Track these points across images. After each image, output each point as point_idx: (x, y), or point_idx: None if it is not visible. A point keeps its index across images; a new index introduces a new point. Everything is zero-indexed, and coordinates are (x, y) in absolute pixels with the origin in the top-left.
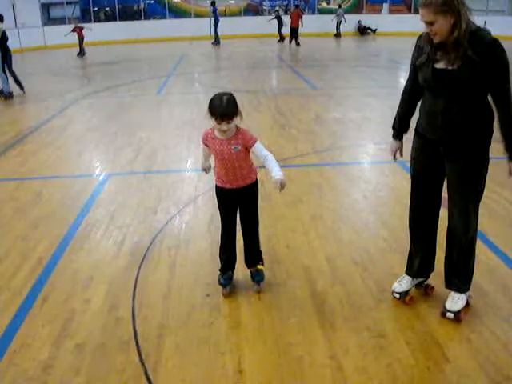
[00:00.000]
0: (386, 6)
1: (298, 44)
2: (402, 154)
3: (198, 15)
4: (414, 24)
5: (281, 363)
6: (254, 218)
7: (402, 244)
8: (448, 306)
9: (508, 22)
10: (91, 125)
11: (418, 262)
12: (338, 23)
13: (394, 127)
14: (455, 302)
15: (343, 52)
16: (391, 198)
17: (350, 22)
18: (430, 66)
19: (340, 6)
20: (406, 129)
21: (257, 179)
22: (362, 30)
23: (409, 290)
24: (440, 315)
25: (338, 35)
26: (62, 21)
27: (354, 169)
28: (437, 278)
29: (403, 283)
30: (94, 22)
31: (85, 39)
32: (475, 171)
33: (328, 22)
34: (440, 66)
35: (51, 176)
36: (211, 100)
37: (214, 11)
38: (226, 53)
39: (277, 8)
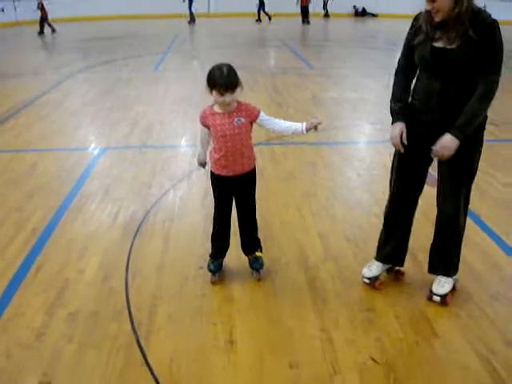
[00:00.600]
0: None
1: (308, 22)
2: (404, 138)
3: None
4: (413, 6)
5: (272, 334)
6: (252, 207)
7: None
8: (434, 289)
9: (508, 7)
10: (87, 99)
11: (391, 249)
12: (325, 3)
13: (392, 111)
14: (442, 285)
15: (340, 33)
16: (385, 177)
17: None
18: (428, 45)
19: None
20: (406, 107)
21: (255, 166)
22: (360, 14)
23: (379, 275)
24: (427, 298)
25: (326, 15)
26: None
27: (349, 148)
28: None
29: (373, 268)
30: None
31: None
32: (469, 156)
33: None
34: (439, 44)
35: (46, 149)
36: (211, 71)
37: None
38: (226, 31)
39: None
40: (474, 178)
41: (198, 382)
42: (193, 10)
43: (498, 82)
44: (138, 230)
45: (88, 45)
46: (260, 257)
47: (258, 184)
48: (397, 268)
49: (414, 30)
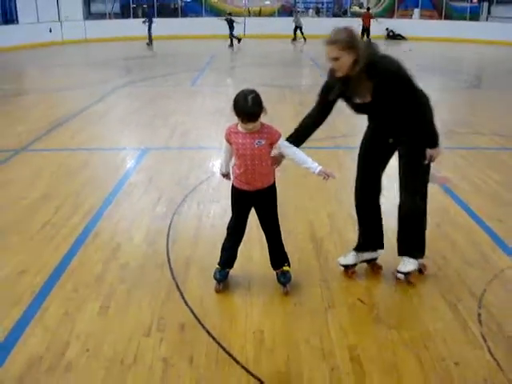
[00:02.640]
0: (416, 11)
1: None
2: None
3: (234, 14)
4: (443, 30)
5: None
6: (274, 221)
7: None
8: (399, 267)
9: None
10: (130, 110)
11: (362, 238)
12: (296, 28)
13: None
14: (405, 264)
15: None
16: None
17: (381, 27)
18: (350, 101)
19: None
20: (299, 142)
21: (274, 182)
22: (391, 37)
23: (354, 264)
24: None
25: (294, 39)
26: (102, 16)
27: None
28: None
29: (348, 257)
30: (133, 18)
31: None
32: (420, 157)
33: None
34: (357, 101)
35: (97, 148)
36: (236, 99)
37: (149, 14)
38: (258, 51)
39: (228, 12)
40: (428, 174)
41: (221, 313)
42: (152, 32)
43: (424, 98)
44: (176, 209)
45: (129, 63)
46: (287, 271)
47: (281, 178)
48: (375, 262)
49: (327, 84)
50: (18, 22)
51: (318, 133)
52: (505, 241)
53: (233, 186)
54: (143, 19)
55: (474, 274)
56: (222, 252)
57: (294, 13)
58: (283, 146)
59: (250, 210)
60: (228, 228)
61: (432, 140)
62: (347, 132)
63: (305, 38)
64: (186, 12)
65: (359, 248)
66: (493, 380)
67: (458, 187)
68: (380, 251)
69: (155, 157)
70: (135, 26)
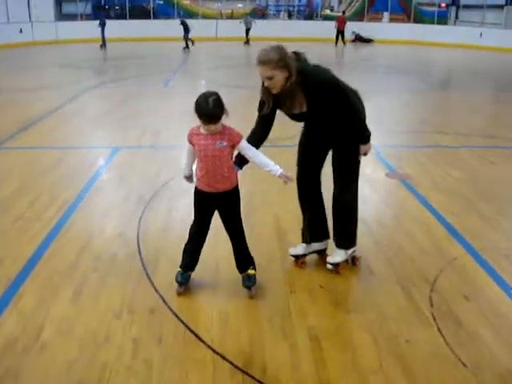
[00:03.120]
0: (386, 14)
1: (344, 43)
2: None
3: (205, 17)
4: (412, 33)
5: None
6: (238, 224)
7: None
8: (328, 258)
9: (504, 35)
10: (102, 110)
11: (308, 230)
12: (248, 30)
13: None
14: (334, 255)
15: (343, 57)
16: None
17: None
18: (287, 113)
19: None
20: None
21: (237, 184)
22: (358, 40)
23: (304, 255)
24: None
25: (247, 42)
26: (73, 17)
27: None
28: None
29: (298, 247)
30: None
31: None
32: (352, 154)
33: (330, 28)
34: (295, 111)
35: (69, 147)
36: (197, 102)
37: (102, 16)
38: (230, 53)
39: (181, 16)
40: (358, 170)
41: (188, 298)
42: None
43: (355, 99)
44: (147, 204)
45: (101, 64)
46: (252, 275)
47: (248, 172)
48: (353, 255)
49: (262, 100)
50: None
51: (290, 130)
52: (459, 232)
53: (195, 189)
54: (98, 21)
55: (428, 261)
56: (183, 255)
57: (244, 16)
58: (245, 147)
59: (212, 213)
60: (190, 232)
61: (365, 136)
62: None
63: (193, 42)
64: (157, 14)
65: (306, 240)
66: (440, 353)
67: (419, 183)
68: (327, 241)
69: (126, 155)
70: (109, 28)
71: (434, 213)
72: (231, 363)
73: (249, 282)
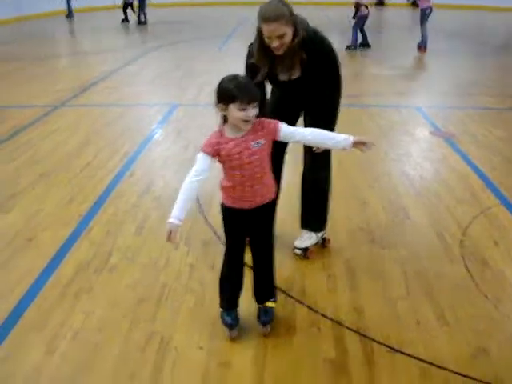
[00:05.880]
0: None
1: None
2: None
3: None
4: None
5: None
6: (270, 246)
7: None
8: (296, 243)
9: None
10: (160, 71)
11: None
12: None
13: None
14: (303, 240)
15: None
16: (398, 129)
17: None
18: (273, 80)
19: None
20: None
21: (275, 196)
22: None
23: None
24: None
25: (380, 3)
26: None
27: (375, 109)
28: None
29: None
30: None
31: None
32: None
33: None
34: (283, 78)
35: (130, 104)
36: (223, 84)
37: None
38: None
39: None
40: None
41: None
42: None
43: (340, 88)
44: None
45: (156, 27)
46: (272, 308)
47: None
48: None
49: (249, 66)
50: None
51: None
52: (496, 185)
53: (223, 206)
54: None
55: (463, 209)
56: (221, 293)
57: None
58: (288, 132)
59: (246, 233)
60: (225, 260)
61: (327, 125)
62: (360, 92)
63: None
64: None
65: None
66: (465, 286)
67: (461, 141)
68: None
69: (184, 112)
70: None
71: (474, 167)
72: None
73: (265, 317)
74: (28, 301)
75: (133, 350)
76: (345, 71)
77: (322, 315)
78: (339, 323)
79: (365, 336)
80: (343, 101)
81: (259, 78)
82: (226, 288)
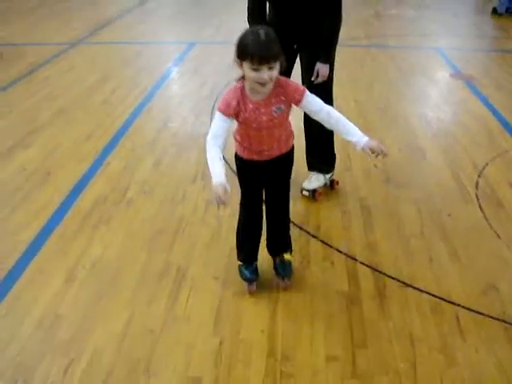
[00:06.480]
0: None
1: None
2: None
3: None
4: None
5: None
6: (287, 196)
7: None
8: (303, 184)
9: None
10: (176, 9)
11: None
12: None
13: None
14: (311, 181)
15: None
16: (418, 70)
17: None
18: None
19: None
20: None
21: (293, 144)
22: None
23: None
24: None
25: None
26: None
27: (394, 50)
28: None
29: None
30: None
31: None
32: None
33: None
34: None
35: (147, 42)
36: (242, 36)
37: None
38: None
39: None
40: (331, 85)
41: None
42: None
43: (341, 19)
44: (221, 91)
45: None
46: (289, 261)
47: None
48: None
49: None
50: None
51: (358, 31)
52: None
53: (239, 158)
54: None
55: (480, 151)
56: (240, 246)
57: None
58: (314, 103)
59: (264, 182)
60: (241, 212)
61: (327, 54)
62: (380, 33)
63: None
64: None
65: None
66: (478, 227)
67: (482, 83)
68: None
69: (201, 50)
70: None
71: (493, 110)
72: None
73: (284, 270)
74: (48, 231)
75: (150, 279)
76: (365, 11)
77: (337, 250)
78: (353, 258)
79: (377, 271)
80: (361, 41)
81: None
82: (245, 240)
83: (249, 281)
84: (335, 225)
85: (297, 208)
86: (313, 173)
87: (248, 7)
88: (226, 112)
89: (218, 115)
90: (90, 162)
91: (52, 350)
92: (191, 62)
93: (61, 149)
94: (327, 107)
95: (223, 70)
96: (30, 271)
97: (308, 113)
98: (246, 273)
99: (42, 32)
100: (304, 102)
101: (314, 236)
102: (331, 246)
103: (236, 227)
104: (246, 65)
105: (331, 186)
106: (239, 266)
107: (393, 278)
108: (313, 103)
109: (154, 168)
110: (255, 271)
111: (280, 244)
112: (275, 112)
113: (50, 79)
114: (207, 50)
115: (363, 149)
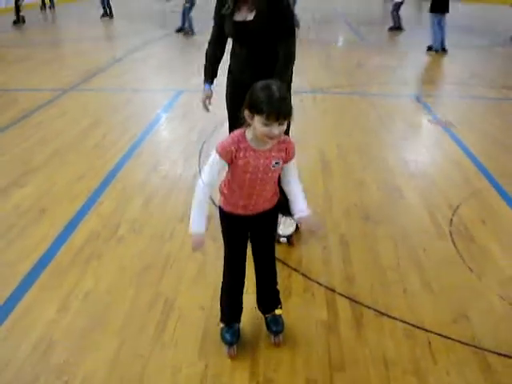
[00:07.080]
0: None
1: None
2: (210, 103)
3: None
4: None
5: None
6: (272, 250)
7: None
8: (280, 231)
9: None
10: (166, 57)
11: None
12: None
13: (205, 74)
14: (286, 227)
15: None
16: (394, 116)
17: None
18: (230, 20)
19: None
20: (215, 74)
21: (276, 201)
22: None
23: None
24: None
25: None
26: None
27: (375, 97)
28: None
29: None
30: None
31: None
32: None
33: None
34: (239, 18)
35: (137, 89)
36: (256, 90)
37: None
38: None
39: None
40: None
41: None
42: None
43: (295, 44)
44: (208, 138)
45: (163, 16)
46: (280, 316)
47: (301, 117)
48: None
49: (219, 2)
50: None
51: (338, 81)
52: (489, 170)
53: (222, 212)
54: None
55: (455, 192)
56: (223, 306)
57: None
58: (292, 168)
59: (248, 237)
60: (225, 270)
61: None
62: (362, 82)
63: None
64: None
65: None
66: (451, 261)
67: (458, 129)
68: None
69: (189, 97)
70: None
71: (468, 154)
72: None
73: (277, 326)
74: (44, 264)
75: (139, 310)
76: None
77: (317, 282)
78: (332, 290)
79: (355, 301)
80: (345, 89)
81: (225, 11)
82: (227, 304)
83: (229, 344)
84: (316, 259)
85: (280, 244)
86: (285, 217)
87: (212, 34)
88: (222, 154)
89: (215, 158)
90: (83, 201)
91: (46, 373)
92: (180, 109)
93: (55, 188)
94: (297, 180)
95: (211, 115)
96: (26, 300)
97: (282, 172)
98: (227, 336)
99: (33, 79)
100: (291, 162)
101: (295, 269)
102: (311, 279)
103: (221, 283)
104: (259, 119)
105: (296, 227)
106: (221, 328)
107: (369, 308)
108: (292, 167)
109: (143, 207)
110: (236, 333)
111: (272, 301)
112: (273, 166)
113: (42, 124)
114: (195, 97)
115: (298, 220)
